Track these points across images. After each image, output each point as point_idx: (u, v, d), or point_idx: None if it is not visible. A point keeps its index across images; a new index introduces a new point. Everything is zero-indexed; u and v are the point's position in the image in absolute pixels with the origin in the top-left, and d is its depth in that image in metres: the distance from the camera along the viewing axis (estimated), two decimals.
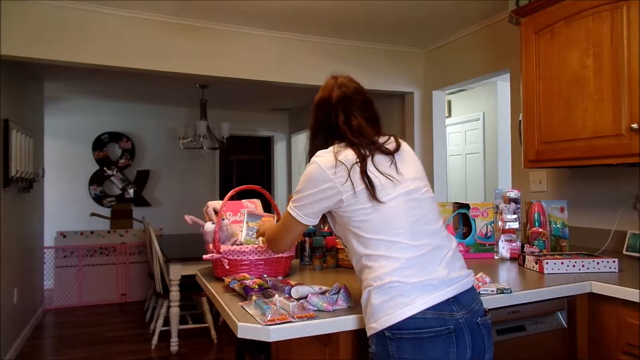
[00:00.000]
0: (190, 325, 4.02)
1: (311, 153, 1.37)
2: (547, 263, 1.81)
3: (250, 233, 1.79)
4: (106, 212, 5.89)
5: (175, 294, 3.63)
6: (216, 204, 1.85)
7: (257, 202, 2.01)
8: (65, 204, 5.71)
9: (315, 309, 1.29)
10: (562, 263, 1.82)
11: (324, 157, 1.29)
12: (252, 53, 3.37)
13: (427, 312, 1.14)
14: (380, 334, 1.16)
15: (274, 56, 3.44)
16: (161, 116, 6.27)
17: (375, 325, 1.16)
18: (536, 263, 1.86)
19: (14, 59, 2.83)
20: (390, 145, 1.33)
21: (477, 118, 5.00)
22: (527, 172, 2.80)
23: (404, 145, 1.38)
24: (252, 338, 1.19)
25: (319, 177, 1.27)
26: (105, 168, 5.94)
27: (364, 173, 1.23)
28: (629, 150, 1.86)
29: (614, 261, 1.83)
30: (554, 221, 2.19)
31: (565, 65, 2.10)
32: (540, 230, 2.15)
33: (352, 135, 1.31)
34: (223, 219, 1.74)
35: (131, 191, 6.02)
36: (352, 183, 1.23)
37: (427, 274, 1.18)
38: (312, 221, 1.32)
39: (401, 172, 1.28)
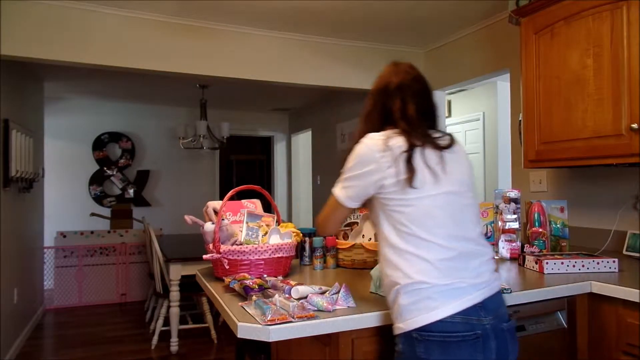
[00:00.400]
0: (190, 325, 4.02)
1: (360, 136, 1.32)
2: (547, 263, 1.81)
3: (250, 233, 1.79)
4: (106, 212, 5.89)
5: (175, 294, 3.62)
6: (216, 204, 1.85)
7: (257, 202, 2.01)
8: (65, 204, 5.72)
9: (315, 309, 1.29)
10: (562, 263, 1.82)
11: (374, 139, 1.26)
12: (252, 53, 3.37)
13: (455, 316, 1.14)
14: (408, 335, 1.16)
15: (274, 56, 3.44)
16: (161, 116, 6.27)
17: (403, 325, 1.17)
18: (536, 263, 1.86)
19: (14, 59, 2.83)
20: (443, 141, 1.30)
21: (477, 118, 5.01)
22: (527, 172, 2.80)
23: (459, 145, 1.36)
24: (252, 338, 1.19)
25: (366, 157, 1.24)
26: (105, 168, 5.94)
27: (409, 162, 1.20)
28: (629, 150, 1.86)
29: (614, 261, 1.83)
30: (554, 221, 2.19)
31: (565, 65, 2.10)
32: (540, 230, 2.15)
33: (406, 123, 1.29)
34: (223, 219, 1.74)
35: (131, 191, 6.02)
36: (397, 170, 1.21)
37: (456, 278, 1.17)
38: (354, 204, 1.30)
39: (448, 171, 1.25)
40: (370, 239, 1.97)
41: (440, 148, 1.27)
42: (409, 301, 1.16)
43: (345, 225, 2.09)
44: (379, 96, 1.37)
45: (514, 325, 1.25)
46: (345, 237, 2.05)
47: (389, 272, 1.22)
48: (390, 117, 1.32)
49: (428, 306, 1.14)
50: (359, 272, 1.88)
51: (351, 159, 1.28)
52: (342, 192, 1.29)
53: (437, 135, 1.31)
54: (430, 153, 1.25)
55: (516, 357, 1.24)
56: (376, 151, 1.23)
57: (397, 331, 1.19)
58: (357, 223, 2.05)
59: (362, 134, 1.31)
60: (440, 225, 1.20)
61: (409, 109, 1.31)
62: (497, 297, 1.24)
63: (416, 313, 1.15)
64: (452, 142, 1.32)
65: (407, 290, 1.17)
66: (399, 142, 1.24)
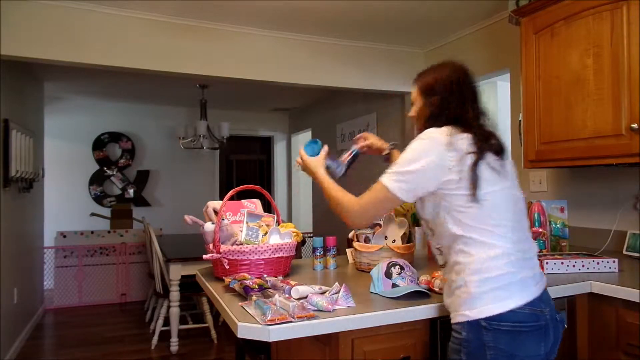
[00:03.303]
0: (190, 325, 4.03)
1: (419, 131, 1.31)
2: (547, 263, 1.81)
3: (250, 233, 1.79)
4: (106, 212, 5.89)
5: (175, 294, 3.63)
6: (216, 204, 1.85)
7: (257, 202, 2.01)
8: (65, 204, 5.72)
9: (315, 309, 1.29)
10: (562, 263, 1.82)
11: (439, 135, 1.25)
12: (252, 53, 3.37)
13: (525, 307, 1.18)
14: (475, 323, 1.18)
15: (274, 56, 3.44)
16: (161, 116, 6.27)
17: (471, 313, 1.19)
18: None
19: (14, 59, 2.83)
20: (497, 140, 1.31)
21: None
22: (527, 172, 2.80)
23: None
24: (252, 338, 1.19)
25: (431, 152, 1.23)
26: (105, 168, 5.95)
27: (475, 165, 1.21)
28: (629, 150, 1.86)
29: (614, 261, 1.83)
30: (554, 221, 2.19)
31: (565, 65, 2.10)
32: (541, 230, 2.15)
33: (471, 122, 1.28)
34: (223, 219, 1.74)
35: (131, 191, 6.02)
36: (461, 170, 1.21)
37: (524, 269, 1.22)
38: (408, 198, 1.27)
39: (505, 167, 1.28)
40: (395, 240, 1.90)
41: (500, 150, 1.28)
42: (481, 289, 1.18)
43: (369, 228, 1.97)
44: (443, 91, 1.33)
45: (563, 317, 1.33)
46: (367, 240, 1.94)
47: (458, 259, 1.24)
48: (453, 114, 1.30)
49: (499, 296, 1.18)
50: (359, 272, 1.88)
51: (412, 153, 1.26)
52: (396, 184, 1.25)
53: (492, 134, 1.31)
54: (491, 154, 1.26)
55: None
56: (442, 148, 1.22)
57: (460, 319, 1.21)
58: (380, 225, 1.95)
59: (421, 130, 1.31)
60: (507, 217, 1.24)
61: (471, 108, 1.31)
62: (546, 291, 1.29)
63: (487, 302, 1.17)
64: (503, 144, 1.33)
65: (479, 279, 1.19)
66: (464, 141, 1.23)
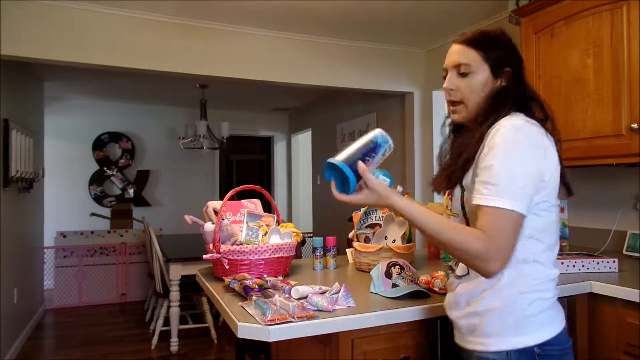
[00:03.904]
0: (190, 325, 4.03)
1: (482, 123, 1.08)
2: None
3: (250, 233, 1.79)
4: (106, 212, 5.89)
5: (175, 294, 3.62)
6: (216, 204, 1.85)
7: (257, 202, 2.01)
8: (65, 204, 5.72)
9: (315, 309, 1.28)
10: (562, 263, 1.82)
11: (531, 125, 1.04)
12: (252, 53, 3.37)
13: (564, 328, 1.09)
14: (528, 351, 1.02)
15: (274, 56, 3.44)
16: (161, 116, 6.27)
17: (523, 339, 1.03)
18: None
19: (14, 59, 2.83)
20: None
21: None
22: None
23: None
24: (252, 338, 1.19)
25: (533, 144, 1.02)
26: (105, 168, 5.95)
27: (563, 162, 1.08)
28: (629, 150, 1.86)
29: (614, 261, 1.83)
30: None
31: (565, 65, 2.10)
32: None
33: (542, 110, 1.12)
34: (223, 219, 1.74)
35: (131, 191, 6.02)
36: (551, 169, 1.05)
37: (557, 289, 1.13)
38: (525, 209, 0.99)
39: None
40: (395, 240, 1.88)
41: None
42: (534, 311, 1.04)
43: (366, 227, 1.96)
44: (515, 71, 1.13)
45: None
46: (367, 240, 1.93)
47: (510, 277, 1.04)
48: (522, 97, 1.12)
49: (552, 316, 1.07)
50: (359, 272, 1.88)
51: (508, 151, 1.00)
52: (510, 198, 0.98)
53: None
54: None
55: None
56: (540, 138, 1.03)
57: (506, 346, 1.03)
58: (380, 225, 1.93)
59: (482, 123, 1.08)
60: (557, 235, 1.13)
61: (538, 93, 1.17)
62: None
63: (540, 325, 1.04)
64: None
65: (535, 299, 1.05)
66: (548, 134, 1.07)
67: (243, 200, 1.97)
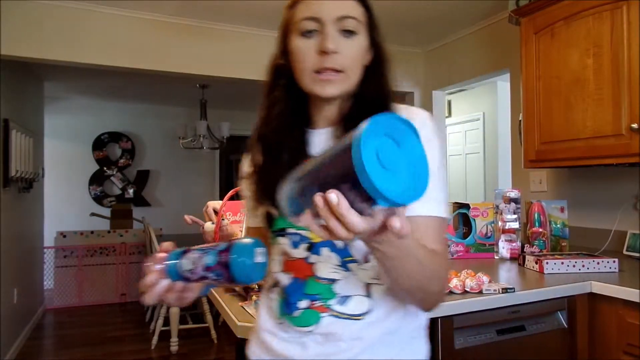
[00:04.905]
0: (190, 325, 4.03)
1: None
2: (547, 263, 1.81)
3: None
4: (106, 212, 5.89)
5: None
6: (216, 204, 1.85)
7: None
8: (65, 204, 5.72)
9: None
10: (562, 263, 1.82)
11: None
12: (252, 53, 3.36)
13: None
14: None
15: None
16: (161, 116, 6.27)
17: None
18: (536, 263, 1.86)
19: (14, 59, 2.83)
20: None
21: (477, 118, 5.00)
22: (527, 172, 2.80)
23: None
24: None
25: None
26: (105, 168, 5.95)
27: None
28: (629, 150, 1.86)
29: (614, 261, 1.83)
30: (554, 221, 2.19)
31: (565, 65, 2.10)
32: (541, 230, 2.15)
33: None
34: (223, 219, 1.74)
35: (131, 191, 6.02)
36: None
37: None
38: None
39: None
40: None
41: None
42: None
43: None
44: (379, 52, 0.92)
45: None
46: None
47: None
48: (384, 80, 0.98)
49: None
50: None
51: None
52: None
53: None
54: None
55: None
56: None
57: None
58: None
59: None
60: None
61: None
62: None
63: None
64: None
65: None
66: None
67: (243, 200, 1.97)
